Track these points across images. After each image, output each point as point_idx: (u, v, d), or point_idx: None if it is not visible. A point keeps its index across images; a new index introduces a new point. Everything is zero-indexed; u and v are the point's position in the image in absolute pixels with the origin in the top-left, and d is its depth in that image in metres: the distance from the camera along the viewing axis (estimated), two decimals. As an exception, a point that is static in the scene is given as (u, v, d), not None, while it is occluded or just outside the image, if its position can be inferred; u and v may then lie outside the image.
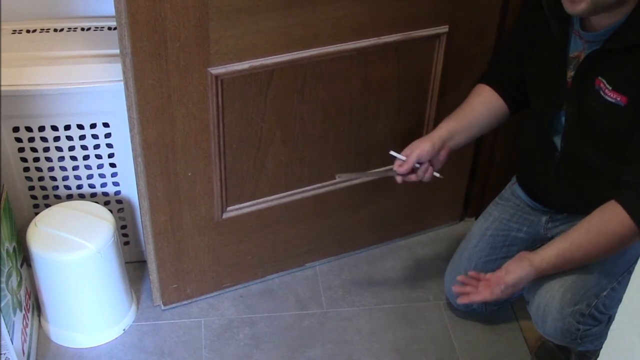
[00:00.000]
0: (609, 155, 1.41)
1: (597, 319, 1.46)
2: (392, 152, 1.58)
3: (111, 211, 1.72)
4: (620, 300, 1.50)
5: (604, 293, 1.46)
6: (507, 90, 1.62)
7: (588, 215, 1.40)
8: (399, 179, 1.58)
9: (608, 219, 1.36)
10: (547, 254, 1.45)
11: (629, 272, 1.47)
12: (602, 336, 1.50)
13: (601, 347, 0.89)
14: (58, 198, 1.78)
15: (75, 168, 1.74)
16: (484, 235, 1.70)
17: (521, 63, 1.56)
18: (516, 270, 1.46)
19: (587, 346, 1.54)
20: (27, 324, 1.65)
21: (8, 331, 1.48)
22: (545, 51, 1.49)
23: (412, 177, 1.57)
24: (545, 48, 1.49)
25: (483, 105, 1.63)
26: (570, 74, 1.43)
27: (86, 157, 1.73)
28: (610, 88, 1.34)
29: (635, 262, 1.50)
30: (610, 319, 1.48)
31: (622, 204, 1.33)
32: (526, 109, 1.62)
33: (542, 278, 1.50)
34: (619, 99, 1.33)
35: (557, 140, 1.50)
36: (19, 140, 1.67)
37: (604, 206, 1.37)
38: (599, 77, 1.36)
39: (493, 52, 1.79)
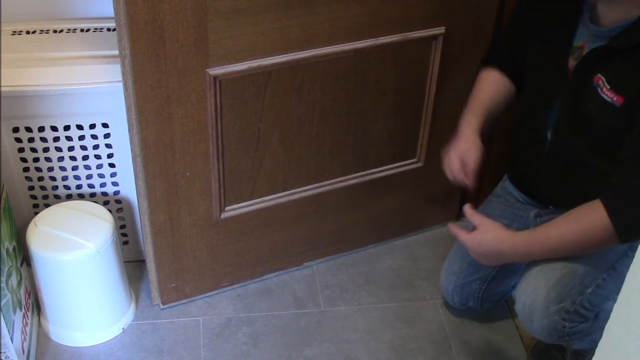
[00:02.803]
0: (599, 151, 1.41)
1: (583, 315, 1.47)
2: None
3: (110, 211, 1.72)
4: (605, 297, 1.52)
5: (589, 290, 1.46)
6: (515, 74, 1.61)
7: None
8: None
9: (588, 215, 1.36)
10: (525, 232, 1.48)
11: (613, 268, 1.47)
12: (591, 333, 1.51)
13: (595, 346, 0.90)
14: (58, 198, 1.79)
15: (74, 168, 1.75)
16: None
17: (526, 47, 1.55)
18: (490, 229, 1.49)
19: (578, 344, 1.55)
20: (26, 322, 1.65)
21: (8, 330, 1.49)
22: (550, 36, 1.47)
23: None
24: (551, 33, 1.47)
25: (501, 94, 1.62)
26: (573, 63, 1.42)
27: (85, 158, 1.74)
28: (609, 87, 1.33)
29: (620, 259, 1.51)
30: (597, 316, 1.49)
31: (603, 204, 1.34)
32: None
33: (527, 277, 1.52)
34: (615, 98, 1.32)
35: (549, 131, 1.50)
36: (18, 140, 1.68)
37: (588, 203, 1.37)
38: (599, 74, 1.35)
39: (496, 33, 1.76)
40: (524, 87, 1.62)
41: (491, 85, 1.63)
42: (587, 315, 1.47)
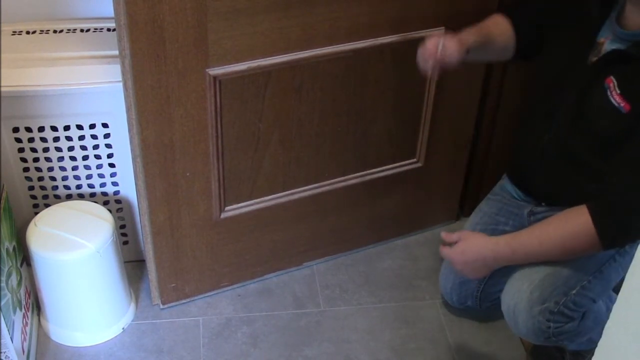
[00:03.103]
0: (597, 152, 1.40)
1: (568, 316, 1.47)
2: None
3: (110, 211, 1.73)
4: (591, 299, 1.53)
5: (574, 291, 1.46)
6: (523, 42, 1.56)
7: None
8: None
9: (573, 220, 1.37)
10: (507, 236, 1.49)
11: (600, 271, 1.48)
12: (580, 334, 1.51)
13: (593, 346, 0.90)
14: (57, 198, 1.79)
15: (74, 168, 1.75)
16: (473, 230, 1.70)
17: (545, 29, 1.51)
18: (472, 237, 1.52)
19: (569, 344, 1.55)
20: (26, 322, 1.66)
21: (8, 330, 1.49)
22: (574, 30, 1.44)
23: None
24: (575, 27, 1.44)
25: (503, 38, 1.56)
26: (593, 59, 1.39)
27: (85, 158, 1.74)
28: (619, 92, 1.32)
29: (607, 263, 1.52)
30: (584, 316, 1.50)
31: (589, 210, 1.34)
32: (523, 63, 1.60)
33: (512, 279, 1.52)
34: (622, 104, 1.31)
35: (552, 126, 1.48)
36: (18, 140, 1.68)
37: (574, 208, 1.38)
38: (612, 76, 1.34)
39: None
40: (517, 58, 1.59)
41: (498, 26, 1.57)
42: (572, 316, 1.47)
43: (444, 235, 1.59)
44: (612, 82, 1.34)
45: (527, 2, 1.62)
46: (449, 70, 1.46)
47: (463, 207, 2.16)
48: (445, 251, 1.57)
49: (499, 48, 1.58)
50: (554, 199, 1.56)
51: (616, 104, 1.32)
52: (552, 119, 1.48)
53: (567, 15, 1.47)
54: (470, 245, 1.53)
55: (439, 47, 1.42)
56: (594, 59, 1.39)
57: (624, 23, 1.36)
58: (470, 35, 1.50)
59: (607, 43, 1.38)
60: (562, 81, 1.46)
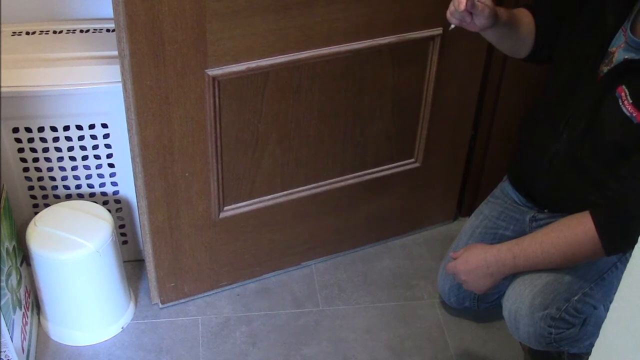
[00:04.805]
0: (604, 162, 1.39)
1: (569, 322, 1.47)
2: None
3: (110, 211, 1.73)
4: (592, 305, 1.53)
5: (576, 297, 1.46)
6: (540, 40, 1.52)
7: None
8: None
9: (576, 226, 1.37)
10: (509, 242, 1.50)
11: (602, 278, 1.48)
12: (580, 340, 1.51)
13: (589, 349, 0.91)
14: (57, 198, 1.79)
15: (74, 168, 1.76)
16: (473, 233, 1.71)
17: (561, 35, 1.49)
18: (475, 246, 1.55)
19: (569, 349, 1.55)
20: (26, 322, 1.66)
21: (8, 329, 1.50)
22: (586, 39, 1.42)
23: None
24: (588, 35, 1.42)
25: (529, 32, 1.51)
26: (604, 69, 1.37)
27: (85, 158, 1.75)
28: (631, 101, 1.30)
29: (609, 270, 1.53)
30: (585, 322, 1.50)
31: (592, 216, 1.34)
32: (535, 63, 1.58)
33: (513, 284, 1.52)
34: (635, 114, 1.29)
35: (562, 133, 1.46)
36: (18, 140, 1.69)
37: (577, 214, 1.38)
38: (623, 86, 1.31)
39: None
40: (530, 57, 1.55)
41: (525, 16, 1.51)
42: (574, 322, 1.48)
43: (452, 254, 1.62)
44: (623, 92, 1.31)
45: (546, 5, 1.56)
46: (475, 28, 1.37)
47: (461, 207, 2.17)
48: (451, 265, 1.60)
49: (521, 36, 1.52)
50: (557, 206, 1.55)
51: (628, 114, 1.30)
52: (562, 128, 1.46)
53: (581, 23, 1.44)
54: (472, 253, 1.54)
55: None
56: (606, 68, 1.37)
57: (636, 31, 1.33)
58: (502, 9, 1.44)
59: (618, 52, 1.36)
60: (573, 90, 1.44)
